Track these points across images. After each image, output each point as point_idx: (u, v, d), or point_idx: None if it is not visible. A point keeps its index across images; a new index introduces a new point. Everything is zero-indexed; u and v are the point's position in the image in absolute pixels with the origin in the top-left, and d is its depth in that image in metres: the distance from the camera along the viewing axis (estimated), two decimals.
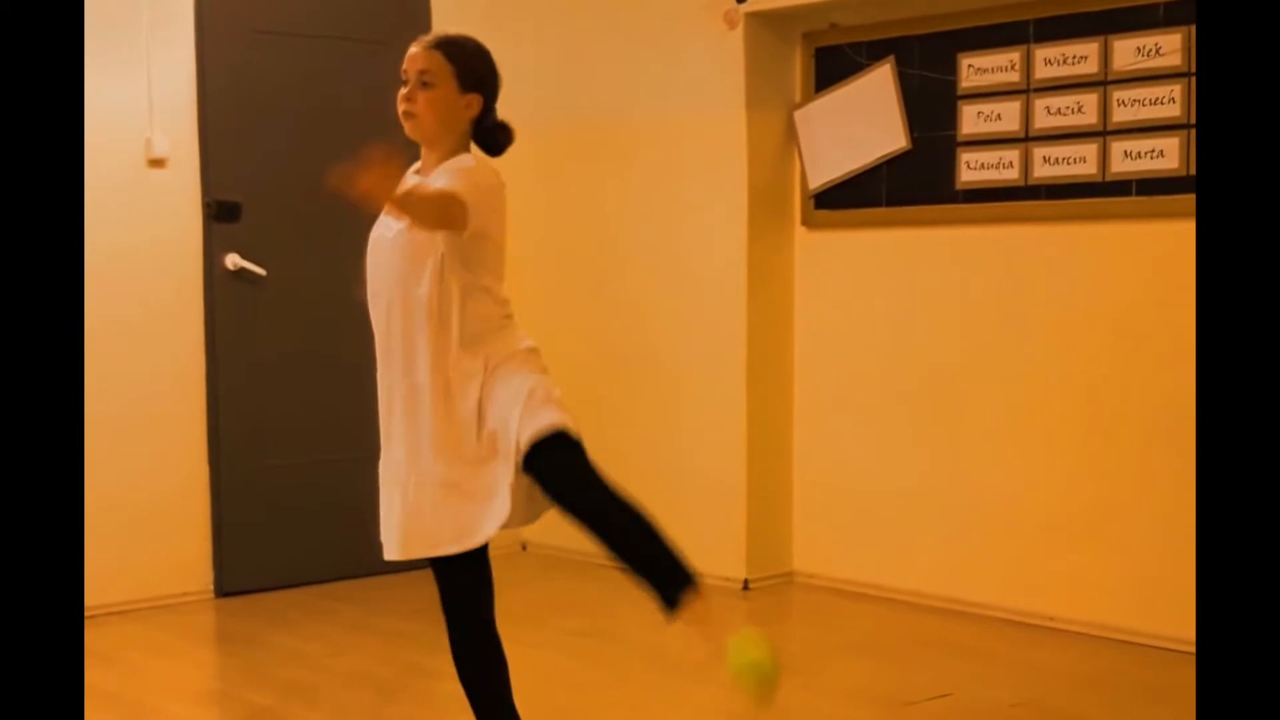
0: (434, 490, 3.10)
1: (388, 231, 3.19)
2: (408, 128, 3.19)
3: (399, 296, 3.14)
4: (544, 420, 3.02)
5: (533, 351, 3.17)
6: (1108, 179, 4.72)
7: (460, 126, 3.19)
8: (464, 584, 3.20)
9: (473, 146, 3.24)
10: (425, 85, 3.14)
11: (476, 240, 3.08)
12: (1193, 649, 2.22)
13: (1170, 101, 4.56)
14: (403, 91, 3.17)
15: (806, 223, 5.56)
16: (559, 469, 3.04)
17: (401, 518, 3.14)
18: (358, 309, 6.11)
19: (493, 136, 3.25)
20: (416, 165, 3.25)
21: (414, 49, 3.20)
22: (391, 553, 3.17)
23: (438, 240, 3.06)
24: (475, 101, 3.19)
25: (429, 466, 3.10)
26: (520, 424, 3.02)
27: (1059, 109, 4.82)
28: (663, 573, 3.00)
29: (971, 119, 5.04)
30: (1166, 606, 4.45)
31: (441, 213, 3.01)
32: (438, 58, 3.16)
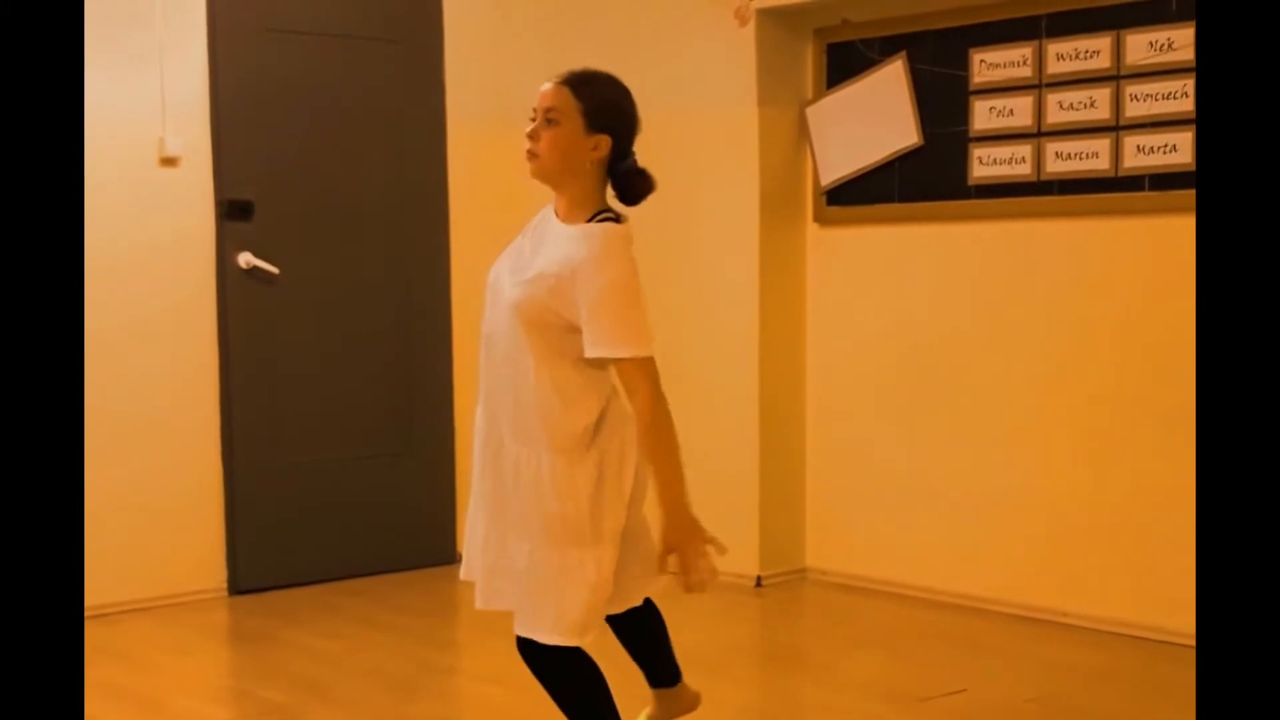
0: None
1: (500, 292, 3.08)
2: (531, 167, 3.05)
3: (504, 357, 3.05)
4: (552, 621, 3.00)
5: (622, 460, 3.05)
6: (1120, 174, 4.72)
7: (585, 168, 3.02)
8: None
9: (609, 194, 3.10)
10: (550, 123, 3.00)
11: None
12: None
13: (1183, 96, 4.55)
14: (528, 129, 3.04)
15: (819, 219, 5.55)
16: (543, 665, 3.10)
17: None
18: (369, 306, 6.15)
19: (629, 182, 3.08)
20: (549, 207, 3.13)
21: (544, 85, 3.05)
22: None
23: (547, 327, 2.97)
24: (603, 143, 3.01)
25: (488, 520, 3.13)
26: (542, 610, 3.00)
27: (1071, 104, 4.81)
28: None
29: (984, 114, 5.03)
30: (1182, 602, 4.43)
31: (664, 424, 3.00)
32: (565, 94, 3.01)
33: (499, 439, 3.07)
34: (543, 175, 3.06)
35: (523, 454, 3.01)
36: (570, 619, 3.00)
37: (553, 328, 2.97)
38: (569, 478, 2.99)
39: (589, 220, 3.02)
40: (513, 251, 3.14)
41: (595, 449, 3.01)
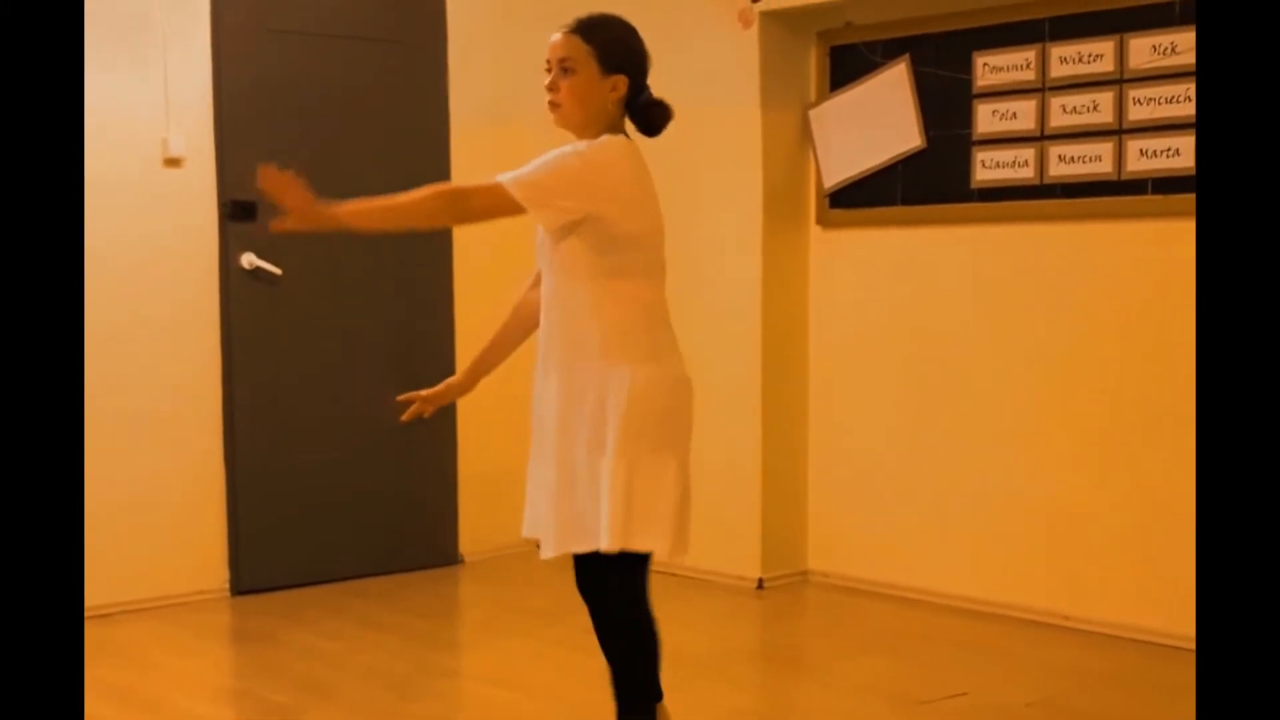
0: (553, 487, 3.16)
1: (542, 243, 3.20)
2: (554, 117, 3.15)
3: (546, 296, 3.17)
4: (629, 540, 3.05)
5: (676, 384, 3.18)
6: (1123, 178, 4.72)
7: (607, 109, 3.13)
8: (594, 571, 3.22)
9: (629, 128, 3.21)
10: (566, 72, 3.10)
11: (593, 227, 3.04)
12: None
13: (1186, 100, 4.55)
14: (546, 81, 3.13)
15: (821, 222, 5.55)
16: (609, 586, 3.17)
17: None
18: (372, 307, 6.15)
19: (647, 115, 3.20)
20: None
21: (554, 36, 3.15)
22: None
23: (571, 239, 3.06)
24: (620, 83, 3.13)
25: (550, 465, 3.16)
26: (608, 524, 3.03)
27: (1074, 107, 4.81)
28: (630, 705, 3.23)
29: (987, 118, 5.04)
30: (1183, 605, 4.44)
31: (432, 210, 3.01)
32: (576, 42, 3.11)
33: (559, 377, 3.13)
34: (567, 123, 3.15)
35: (585, 374, 3.09)
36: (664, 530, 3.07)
37: (579, 253, 3.08)
38: (654, 389, 3.11)
39: None
40: None
41: (652, 362, 3.14)
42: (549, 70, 3.14)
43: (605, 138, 3.11)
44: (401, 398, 3.46)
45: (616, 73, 3.13)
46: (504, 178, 3.00)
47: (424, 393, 3.47)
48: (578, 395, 3.10)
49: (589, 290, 3.10)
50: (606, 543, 3.03)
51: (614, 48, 3.14)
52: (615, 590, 3.16)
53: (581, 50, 3.10)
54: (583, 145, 3.07)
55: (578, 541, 3.11)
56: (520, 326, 3.43)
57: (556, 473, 3.13)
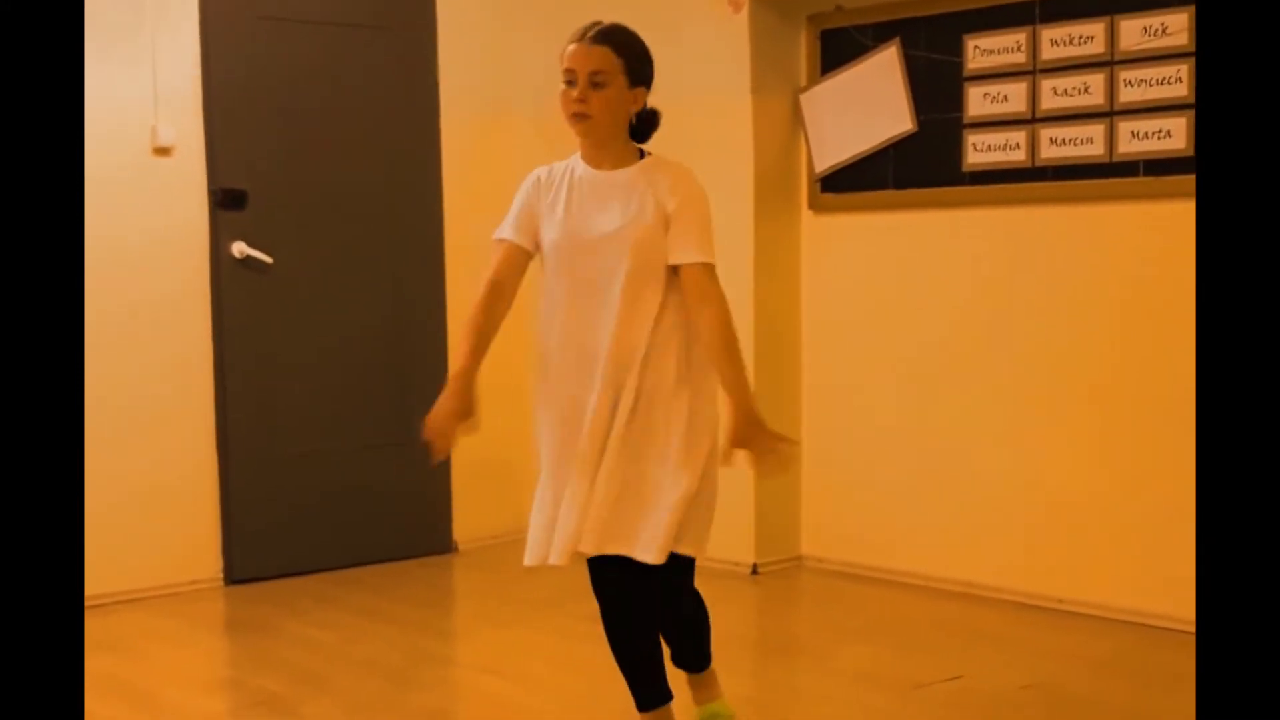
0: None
1: (596, 227, 3.17)
2: (579, 128, 3.13)
3: (596, 302, 3.18)
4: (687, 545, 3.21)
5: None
6: (1115, 160, 4.71)
7: (627, 121, 3.17)
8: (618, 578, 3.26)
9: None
10: (598, 85, 3.08)
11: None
12: None
13: (1177, 81, 4.54)
14: (572, 93, 3.09)
15: (813, 206, 5.55)
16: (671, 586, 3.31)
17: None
18: (364, 295, 6.12)
19: (647, 122, 3.24)
20: (572, 157, 3.25)
21: (578, 46, 3.12)
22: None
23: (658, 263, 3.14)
24: (642, 95, 3.17)
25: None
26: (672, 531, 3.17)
27: (1065, 90, 4.80)
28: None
29: (978, 100, 5.03)
30: (1178, 588, 4.44)
31: (732, 325, 3.18)
32: (608, 54, 3.10)
33: (615, 386, 3.14)
34: (594, 134, 3.14)
35: (657, 387, 3.15)
36: (707, 534, 3.28)
37: (657, 264, 3.13)
38: (709, 402, 3.22)
39: (639, 159, 3.22)
40: (574, 208, 3.19)
41: (710, 378, 3.22)
42: (570, 81, 3.10)
43: (680, 165, 3.22)
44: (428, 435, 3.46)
45: (640, 85, 3.16)
46: (709, 255, 3.13)
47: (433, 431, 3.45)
48: (648, 410, 3.16)
49: (673, 307, 3.17)
50: (655, 555, 3.13)
51: (639, 62, 3.16)
52: (690, 594, 3.41)
53: (614, 64, 3.10)
54: (690, 182, 3.18)
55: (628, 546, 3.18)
56: (499, 318, 3.31)
57: (607, 484, 3.16)
